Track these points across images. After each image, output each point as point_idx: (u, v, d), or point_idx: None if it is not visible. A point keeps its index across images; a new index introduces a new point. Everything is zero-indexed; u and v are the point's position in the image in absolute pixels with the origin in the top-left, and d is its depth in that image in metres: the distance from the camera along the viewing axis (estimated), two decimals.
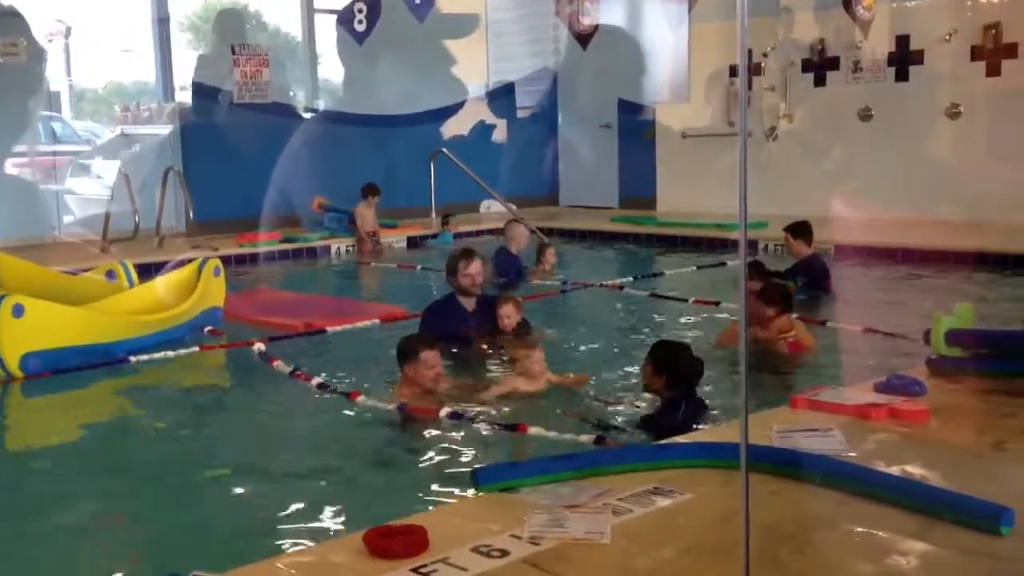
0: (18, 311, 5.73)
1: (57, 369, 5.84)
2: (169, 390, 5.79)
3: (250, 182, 11.09)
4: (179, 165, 11.16)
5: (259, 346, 6.35)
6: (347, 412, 5.02)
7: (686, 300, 7.55)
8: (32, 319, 5.78)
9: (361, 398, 5.08)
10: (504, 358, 5.79)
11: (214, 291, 7.16)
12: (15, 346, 5.73)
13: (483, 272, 6.23)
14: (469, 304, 6.20)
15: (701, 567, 2.74)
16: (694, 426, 4.28)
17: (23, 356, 5.75)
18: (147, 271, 8.02)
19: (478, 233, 12.10)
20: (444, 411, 4.68)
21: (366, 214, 11.10)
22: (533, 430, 4.40)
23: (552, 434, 4.35)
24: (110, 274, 7.15)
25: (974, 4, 10.63)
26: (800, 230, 7.73)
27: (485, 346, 6.01)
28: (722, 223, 10.49)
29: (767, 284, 6.07)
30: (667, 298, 7.73)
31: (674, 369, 4.45)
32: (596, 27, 13.51)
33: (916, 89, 11.06)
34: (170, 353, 6.27)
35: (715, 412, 4.56)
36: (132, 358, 6.12)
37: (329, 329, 6.84)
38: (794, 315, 5.96)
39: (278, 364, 5.87)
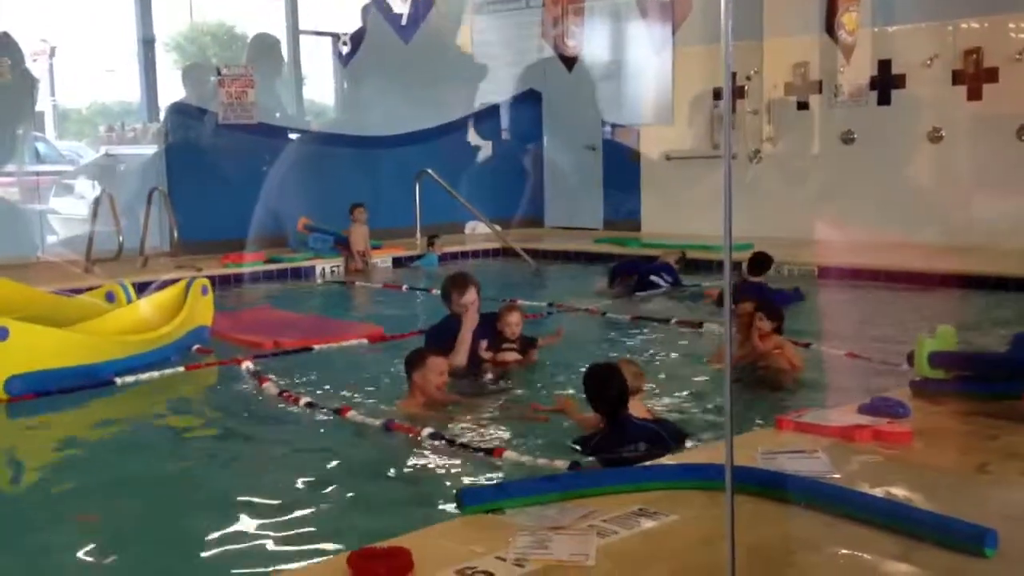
0: (2, 334, 5.69)
1: (42, 391, 5.80)
2: (155, 410, 5.76)
3: (235, 203, 11.08)
4: (164, 185, 11.12)
5: (247, 365, 6.33)
6: (333, 432, 5.02)
7: (668, 321, 7.58)
8: (17, 342, 5.74)
9: (351, 413, 5.11)
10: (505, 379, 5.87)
11: (201, 311, 7.14)
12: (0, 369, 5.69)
13: (478, 300, 6.17)
14: None
15: None
16: (628, 450, 4.22)
17: (8, 379, 5.71)
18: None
19: (463, 254, 12.12)
20: (426, 431, 4.68)
21: (360, 232, 11.09)
22: (509, 454, 4.40)
23: (526, 459, 4.34)
24: (109, 295, 7.12)
25: (955, 29, 10.74)
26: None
27: (488, 360, 6.03)
28: (707, 244, 10.52)
29: (765, 300, 6.16)
30: (649, 320, 7.76)
31: (595, 397, 4.39)
32: (581, 50, 13.59)
33: (898, 113, 11.15)
34: (156, 373, 6.25)
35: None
36: (118, 379, 6.09)
37: (316, 347, 6.85)
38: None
39: (267, 385, 5.86)
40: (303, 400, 5.47)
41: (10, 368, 5.73)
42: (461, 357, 5.83)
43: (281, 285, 10.43)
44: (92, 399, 5.90)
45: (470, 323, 5.94)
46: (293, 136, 12.57)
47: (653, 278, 9.35)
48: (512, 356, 6.10)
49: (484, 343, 6.06)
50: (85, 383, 5.98)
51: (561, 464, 4.22)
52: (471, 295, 6.11)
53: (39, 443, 5.32)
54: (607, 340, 7.43)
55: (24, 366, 5.78)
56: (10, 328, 5.75)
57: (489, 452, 4.47)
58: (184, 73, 12.93)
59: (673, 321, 7.55)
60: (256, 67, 12.15)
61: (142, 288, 7.81)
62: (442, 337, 6.06)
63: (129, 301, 7.04)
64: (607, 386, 4.37)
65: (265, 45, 12.74)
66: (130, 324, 6.72)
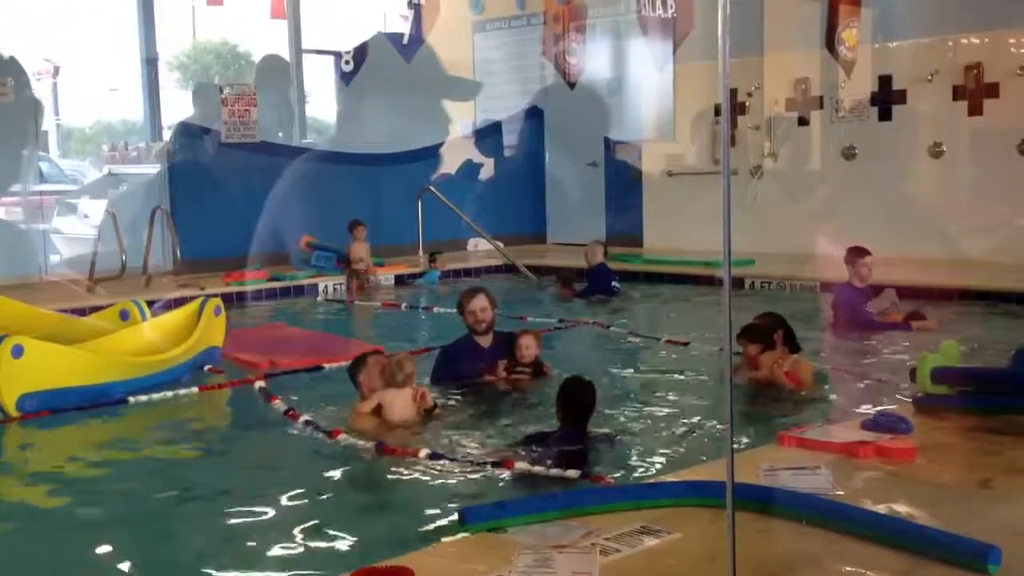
0: (17, 352, 5.68)
1: (55, 409, 5.79)
2: (166, 430, 5.73)
3: (238, 221, 11.09)
4: (167, 204, 11.15)
5: (259, 384, 6.31)
6: (335, 451, 5.00)
7: (658, 339, 7.62)
8: (31, 360, 5.74)
9: (342, 436, 5.06)
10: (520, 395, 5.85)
11: (214, 331, 7.13)
12: (13, 386, 5.68)
13: (488, 309, 6.16)
14: (485, 341, 6.17)
15: None
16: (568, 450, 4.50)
17: (21, 396, 5.71)
18: None
19: (466, 271, 12.12)
20: (424, 452, 4.67)
21: (360, 250, 11.10)
22: (520, 466, 4.39)
23: (538, 469, 4.33)
24: (124, 314, 7.10)
25: (956, 45, 10.77)
26: None
27: (500, 378, 6.00)
28: (709, 260, 10.53)
29: (749, 324, 6.08)
30: (643, 337, 7.82)
31: (564, 403, 4.75)
32: (582, 67, 13.63)
33: (899, 128, 11.17)
34: (168, 393, 6.22)
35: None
36: (131, 399, 6.08)
37: (327, 366, 6.81)
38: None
39: (277, 403, 5.84)
40: (304, 418, 5.45)
41: (24, 386, 5.72)
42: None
43: (283, 303, 10.42)
44: (104, 418, 5.87)
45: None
46: (296, 155, 12.59)
47: (614, 284, 10.02)
48: (524, 379, 6.06)
49: (503, 363, 6.02)
50: (98, 402, 5.96)
51: (573, 474, 4.21)
52: (479, 302, 6.12)
53: (49, 461, 5.30)
54: (604, 353, 7.48)
55: (38, 384, 5.77)
56: (25, 346, 5.75)
57: (498, 465, 4.46)
58: (189, 92, 12.98)
59: (663, 339, 7.57)
60: (259, 86, 12.20)
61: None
62: (458, 355, 6.06)
63: (144, 319, 7.03)
64: (583, 398, 4.75)
65: (268, 64, 12.80)
66: (143, 344, 6.70)
